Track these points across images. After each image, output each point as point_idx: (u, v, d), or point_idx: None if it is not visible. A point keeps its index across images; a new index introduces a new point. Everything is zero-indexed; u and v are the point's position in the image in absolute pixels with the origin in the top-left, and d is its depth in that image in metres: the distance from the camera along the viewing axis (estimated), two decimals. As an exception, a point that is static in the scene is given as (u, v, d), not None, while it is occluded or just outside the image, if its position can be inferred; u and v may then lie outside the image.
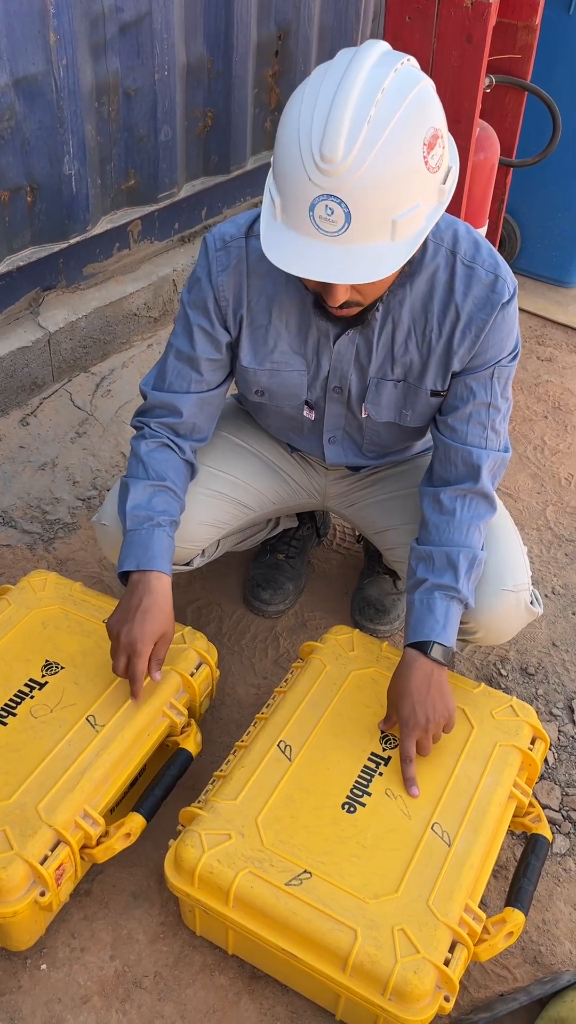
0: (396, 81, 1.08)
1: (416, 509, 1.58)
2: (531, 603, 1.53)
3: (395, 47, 1.99)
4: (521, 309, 3.02)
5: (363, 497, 1.71)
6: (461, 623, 1.50)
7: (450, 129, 1.92)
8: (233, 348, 1.45)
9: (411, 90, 1.09)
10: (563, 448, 2.47)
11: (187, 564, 1.64)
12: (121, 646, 1.37)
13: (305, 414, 1.52)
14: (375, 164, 1.07)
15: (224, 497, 1.62)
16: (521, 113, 2.23)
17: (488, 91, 2.02)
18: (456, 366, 1.39)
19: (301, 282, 1.35)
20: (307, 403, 1.51)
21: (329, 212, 1.09)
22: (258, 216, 1.37)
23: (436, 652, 1.37)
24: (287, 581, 1.93)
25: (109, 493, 1.57)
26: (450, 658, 1.39)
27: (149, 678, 1.40)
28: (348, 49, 1.12)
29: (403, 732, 1.36)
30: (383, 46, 1.12)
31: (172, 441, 1.47)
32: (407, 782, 1.34)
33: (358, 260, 1.13)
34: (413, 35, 1.87)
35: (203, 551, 1.66)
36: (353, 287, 1.21)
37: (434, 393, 1.43)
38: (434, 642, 1.36)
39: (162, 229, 2.58)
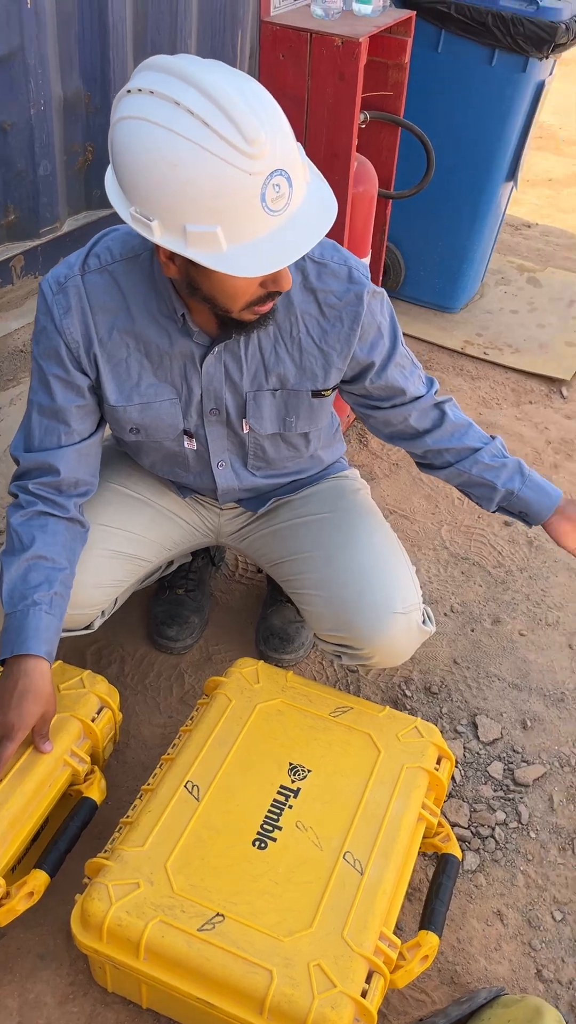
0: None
1: (306, 538, 1.60)
2: (423, 622, 1.55)
3: (270, 85, 2.02)
4: (408, 335, 3.11)
5: (257, 529, 1.70)
6: (355, 649, 1.52)
7: (329, 163, 1.99)
8: (96, 391, 1.41)
9: None
10: (455, 469, 2.53)
11: (87, 628, 1.60)
12: None
13: (186, 445, 1.49)
14: (275, 117, 1.06)
15: (119, 555, 1.57)
16: (396, 147, 2.31)
17: (363, 126, 2.07)
18: (338, 362, 1.40)
19: (156, 307, 1.33)
20: (186, 432, 1.48)
21: (277, 189, 1.07)
22: (89, 252, 1.34)
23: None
24: (191, 615, 1.91)
25: None
26: None
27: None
28: (125, 94, 1.07)
29: None
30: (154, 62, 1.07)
31: (54, 501, 1.41)
32: None
33: (311, 213, 1.12)
34: (287, 73, 1.91)
35: (102, 611, 1.62)
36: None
37: (315, 394, 1.44)
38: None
39: (46, 264, 2.54)
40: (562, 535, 1.56)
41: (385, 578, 1.50)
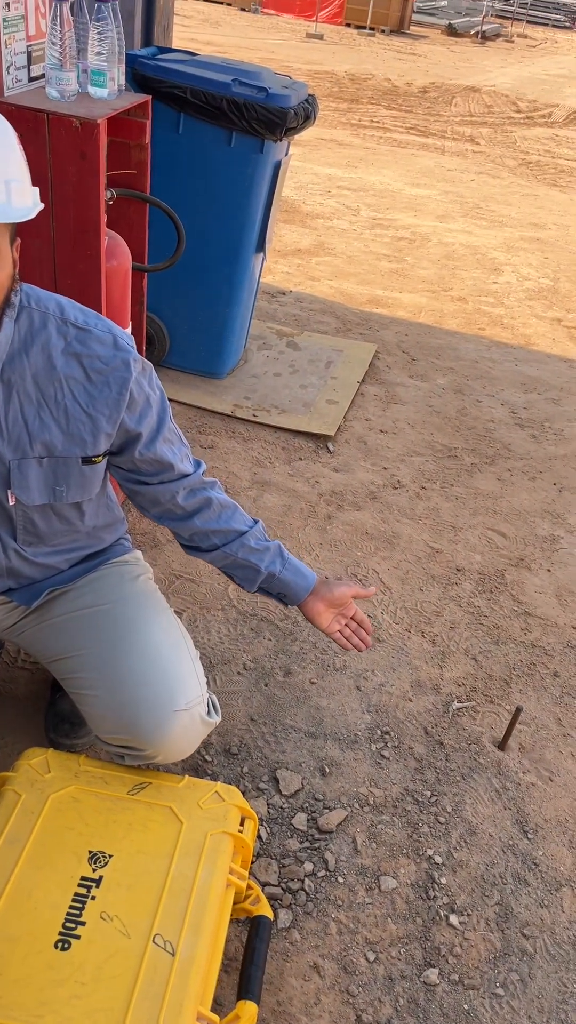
0: None
1: (83, 634, 1.54)
2: (208, 714, 1.51)
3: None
4: (179, 401, 3.16)
5: (32, 623, 1.61)
6: (138, 750, 1.47)
7: (79, 239, 2.00)
8: None
9: None
10: (235, 528, 2.58)
11: None
12: None
13: None
14: None
15: None
16: (146, 222, 2.37)
17: (111, 203, 2.11)
18: (107, 427, 1.39)
19: None
20: None
21: None
22: None
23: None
24: (-29, 710, 1.79)
25: None
26: None
27: None
28: None
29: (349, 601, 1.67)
30: None
31: None
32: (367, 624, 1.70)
33: None
34: (27, 151, 1.90)
35: None
36: None
37: (85, 460, 1.42)
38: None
39: None
40: (316, 615, 1.64)
41: (165, 675, 1.45)
